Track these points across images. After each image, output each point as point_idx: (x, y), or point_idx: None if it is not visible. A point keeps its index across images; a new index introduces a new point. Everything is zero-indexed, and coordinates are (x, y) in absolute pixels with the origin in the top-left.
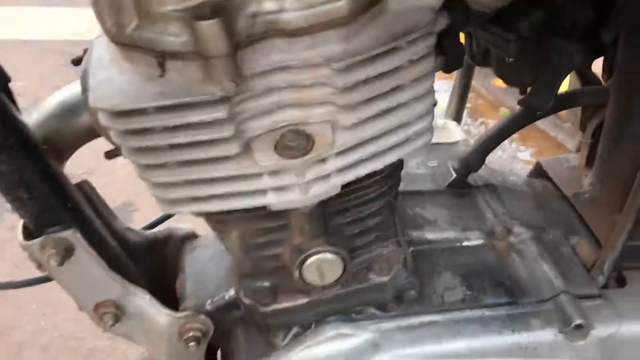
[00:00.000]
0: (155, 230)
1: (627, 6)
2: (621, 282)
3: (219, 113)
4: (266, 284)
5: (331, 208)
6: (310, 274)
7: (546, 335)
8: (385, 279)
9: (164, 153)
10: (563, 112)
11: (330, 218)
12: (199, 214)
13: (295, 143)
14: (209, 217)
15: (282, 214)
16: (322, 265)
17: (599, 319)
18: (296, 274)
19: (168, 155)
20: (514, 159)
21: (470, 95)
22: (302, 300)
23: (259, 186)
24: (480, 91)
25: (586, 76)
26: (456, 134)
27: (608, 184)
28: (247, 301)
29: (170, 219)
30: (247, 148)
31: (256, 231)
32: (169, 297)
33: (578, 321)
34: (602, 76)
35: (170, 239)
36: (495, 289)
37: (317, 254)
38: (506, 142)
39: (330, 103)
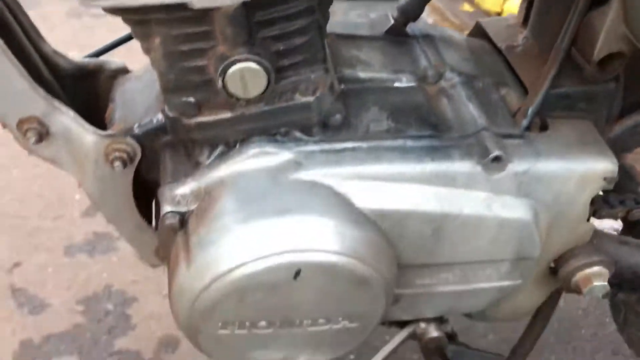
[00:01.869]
0: (86, 60)
1: None
2: (544, 129)
3: None
4: (190, 99)
5: (256, 18)
6: (233, 84)
7: (465, 166)
8: (310, 99)
9: None
10: None
11: (256, 30)
12: (116, 11)
13: None
14: (130, 19)
15: (205, 18)
16: (246, 74)
17: (517, 155)
18: (219, 82)
19: None
20: None
21: (437, 18)
22: (226, 115)
23: None
24: (447, 15)
25: None
26: None
27: (540, 37)
28: (170, 114)
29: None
30: None
31: (178, 37)
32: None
33: (496, 153)
34: None
35: (101, 71)
36: (421, 123)
37: (241, 62)
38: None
39: None
